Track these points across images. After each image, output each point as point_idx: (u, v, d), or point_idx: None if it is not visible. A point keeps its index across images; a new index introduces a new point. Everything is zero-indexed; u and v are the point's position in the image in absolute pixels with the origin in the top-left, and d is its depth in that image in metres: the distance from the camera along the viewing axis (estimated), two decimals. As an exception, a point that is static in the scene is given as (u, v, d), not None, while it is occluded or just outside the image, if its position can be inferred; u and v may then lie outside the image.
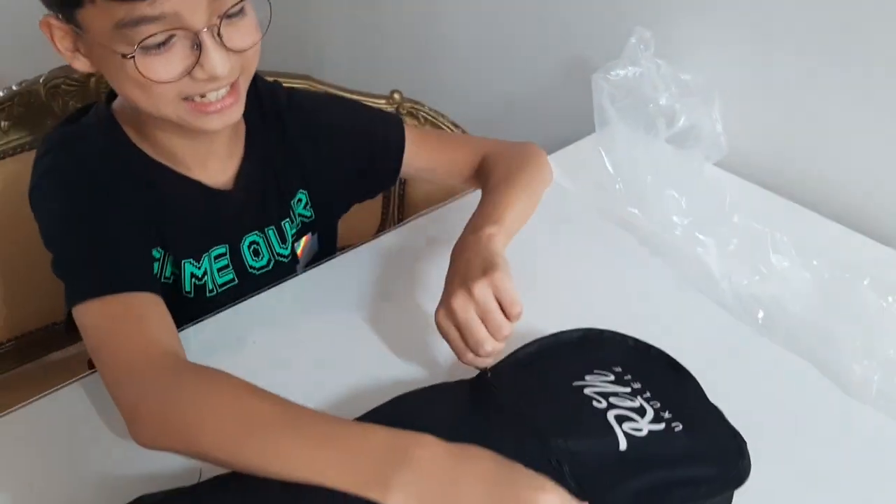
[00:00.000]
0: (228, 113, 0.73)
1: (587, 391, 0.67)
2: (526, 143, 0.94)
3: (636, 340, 0.75)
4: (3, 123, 0.98)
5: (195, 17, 0.66)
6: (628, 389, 0.69)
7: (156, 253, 0.80)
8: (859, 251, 1.00)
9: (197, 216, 0.82)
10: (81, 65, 0.71)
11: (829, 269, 0.89)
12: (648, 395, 0.68)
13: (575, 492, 0.56)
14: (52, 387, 0.78)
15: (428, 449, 0.56)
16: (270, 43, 0.76)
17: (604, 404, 0.66)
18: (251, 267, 0.87)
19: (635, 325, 0.79)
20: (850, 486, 0.73)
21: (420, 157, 0.93)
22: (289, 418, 0.61)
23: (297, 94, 0.89)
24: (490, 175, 0.87)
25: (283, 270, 0.90)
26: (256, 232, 0.87)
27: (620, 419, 0.65)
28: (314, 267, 0.94)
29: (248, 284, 0.87)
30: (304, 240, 0.92)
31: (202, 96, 0.71)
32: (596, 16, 1.27)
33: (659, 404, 0.67)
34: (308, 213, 0.91)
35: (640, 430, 0.65)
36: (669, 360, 0.73)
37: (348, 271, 0.93)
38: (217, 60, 0.67)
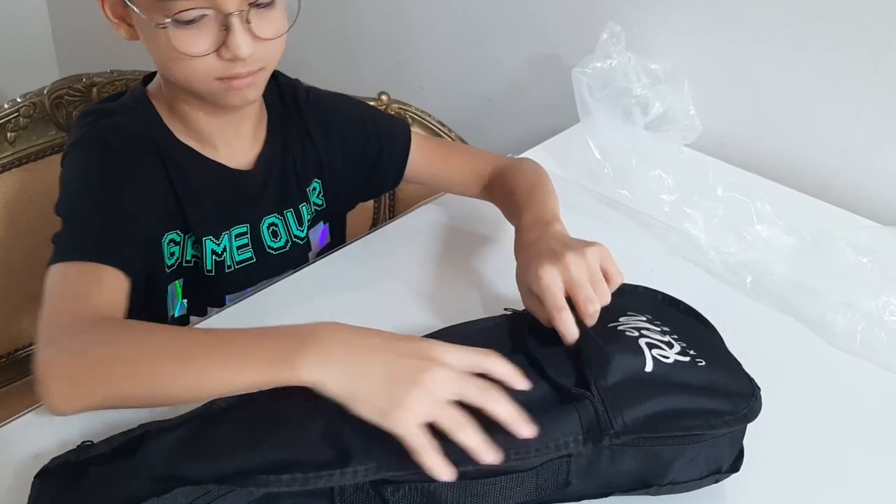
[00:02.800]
0: (248, 91, 0.78)
1: (620, 328, 0.71)
2: (526, 159, 0.99)
3: (664, 295, 0.79)
4: (9, 135, 1.00)
5: (228, 0, 0.72)
6: (658, 330, 0.73)
7: (175, 236, 0.84)
8: (830, 219, 1.08)
9: (218, 196, 0.87)
10: (125, 32, 0.78)
11: (809, 232, 0.96)
12: (676, 336, 0.72)
13: (599, 410, 0.62)
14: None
15: (327, 328, 0.60)
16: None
17: (636, 334, 0.70)
18: (269, 247, 0.91)
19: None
20: (840, 426, 0.79)
21: (425, 161, 0.98)
22: (198, 340, 0.64)
23: (315, 91, 0.94)
24: (509, 188, 0.90)
25: (298, 252, 0.94)
26: (275, 214, 0.91)
27: (650, 345, 0.69)
28: (327, 255, 0.97)
29: (264, 263, 0.91)
30: (316, 228, 0.96)
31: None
32: (565, 13, 1.33)
33: (686, 344, 0.71)
34: (320, 202, 0.96)
35: (667, 357, 0.68)
36: (696, 314, 0.78)
37: (362, 258, 0.97)
38: (242, 42, 0.73)
